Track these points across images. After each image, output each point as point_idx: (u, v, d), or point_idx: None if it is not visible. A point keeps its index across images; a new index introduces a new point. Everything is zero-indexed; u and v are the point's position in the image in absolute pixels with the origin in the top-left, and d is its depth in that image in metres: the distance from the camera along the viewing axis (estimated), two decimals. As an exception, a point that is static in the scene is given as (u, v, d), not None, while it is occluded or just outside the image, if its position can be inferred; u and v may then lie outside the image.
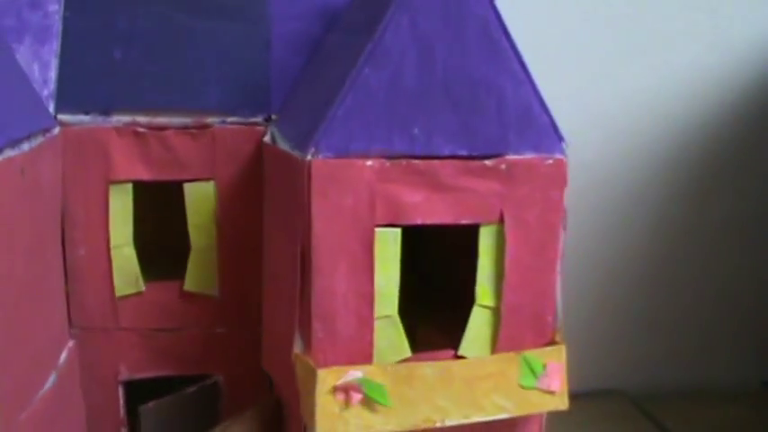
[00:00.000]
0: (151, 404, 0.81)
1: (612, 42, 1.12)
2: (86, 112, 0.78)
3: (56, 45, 0.81)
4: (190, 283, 0.83)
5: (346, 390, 0.65)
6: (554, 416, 0.75)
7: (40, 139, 0.68)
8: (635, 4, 1.12)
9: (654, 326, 1.25)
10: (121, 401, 0.85)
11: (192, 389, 0.84)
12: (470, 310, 0.69)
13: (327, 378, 0.65)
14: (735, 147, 1.18)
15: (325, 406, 0.65)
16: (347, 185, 0.65)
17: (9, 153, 0.62)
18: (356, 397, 0.65)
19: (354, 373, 0.66)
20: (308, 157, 0.63)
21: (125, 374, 0.84)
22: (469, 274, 0.71)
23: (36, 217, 0.69)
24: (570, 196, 0.72)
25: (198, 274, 0.83)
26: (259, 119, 0.81)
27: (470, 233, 0.69)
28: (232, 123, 0.81)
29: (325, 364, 0.65)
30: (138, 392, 0.85)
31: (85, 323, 0.81)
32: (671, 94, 1.15)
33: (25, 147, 0.66)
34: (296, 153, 0.66)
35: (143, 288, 0.82)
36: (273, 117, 0.80)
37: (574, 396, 0.80)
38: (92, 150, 0.78)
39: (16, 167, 0.64)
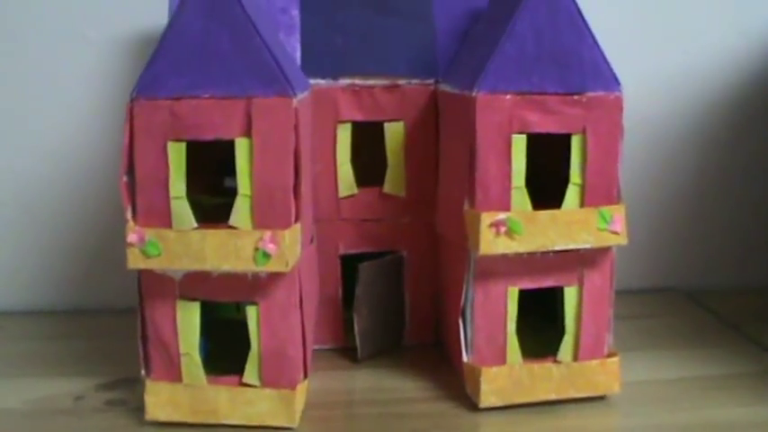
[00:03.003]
0: (366, 263, 1.04)
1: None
2: (322, 78, 1.05)
3: (298, 36, 1.07)
4: (387, 188, 1.07)
5: (497, 225, 0.88)
6: (618, 307, 0.97)
7: (306, 93, 0.99)
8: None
9: (702, 232, 1.39)
10: (339, 268, 1.09)
11: (388, 257, 1.07)
12: (566, 188, 0.90)
13: (486, 218, 0.88)
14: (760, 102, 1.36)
15: (485, 235, 0.88)
16: (496, 109, 0.88)
17: (303, 96, 0.93)
18: (502, 229, 0.88)
19: (502, 215, 0.88)
20: (474, 94, 0.88)
21: (342, 250, 1.09)
22: (560, 169, 0.91)
23: (307, 141, 0.98)
24: (641, 130, 1.05)
25: (392, 181, 1.07)
26: (431, 81, 1.07)
27: (562, 141, 0.89)
28: (414, 84, 1.06)
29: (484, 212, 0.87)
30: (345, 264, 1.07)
31: (319, 215, 1.06)
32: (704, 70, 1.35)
33: (306, 94, 0.97)
34: (465, 92, 0.91)
35: (356, 191, 1.07)
36: (440, 80, 1.06)
37: (635, 292, 1.17)
38: (326, 102, 1.03)
39: (307, 104, 0.95)
